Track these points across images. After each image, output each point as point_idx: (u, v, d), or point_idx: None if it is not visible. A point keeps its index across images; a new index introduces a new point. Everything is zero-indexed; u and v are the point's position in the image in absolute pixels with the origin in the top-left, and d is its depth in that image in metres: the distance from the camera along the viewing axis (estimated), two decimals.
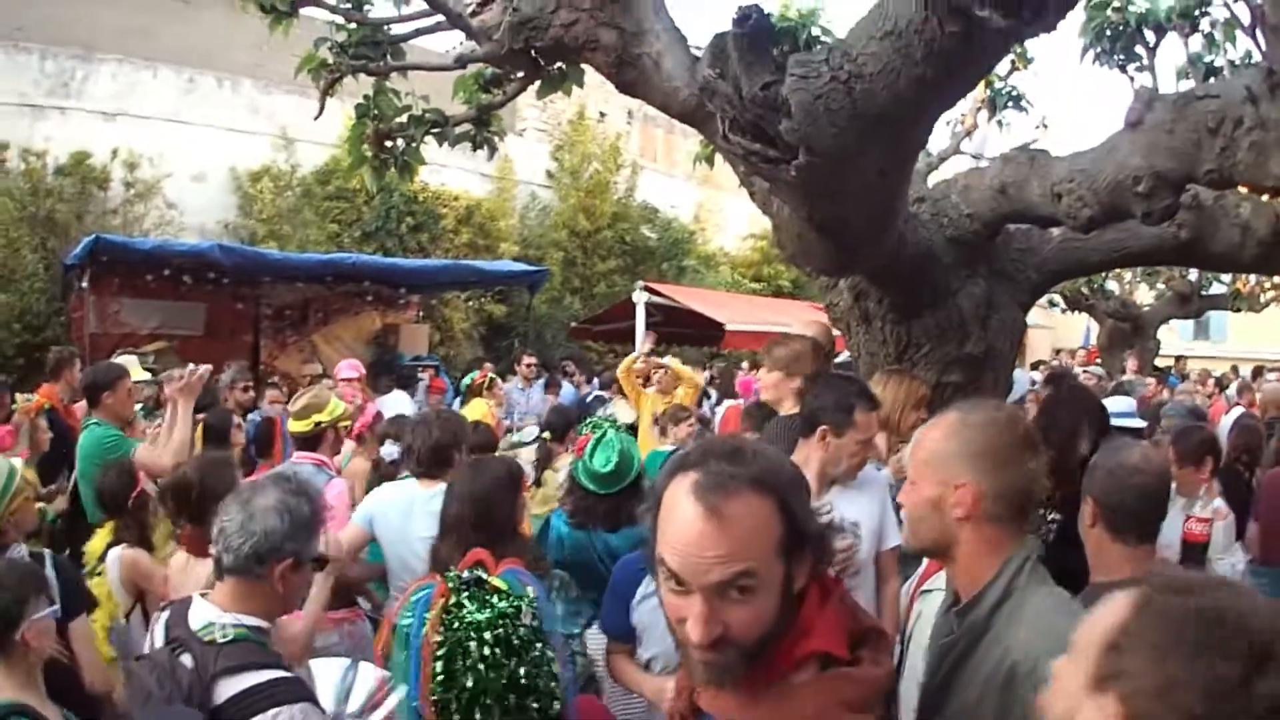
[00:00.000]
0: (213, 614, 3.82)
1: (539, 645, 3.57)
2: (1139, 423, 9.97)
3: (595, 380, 19.87)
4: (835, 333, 7.85)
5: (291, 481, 4.13)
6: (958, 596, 3.34)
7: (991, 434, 3.16)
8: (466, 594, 3.59)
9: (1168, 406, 12.25)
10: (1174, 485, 7.88)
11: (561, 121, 29.78)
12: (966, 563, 3.20)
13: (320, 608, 5.57)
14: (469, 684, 3.44)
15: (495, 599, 3.58)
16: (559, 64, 6.82)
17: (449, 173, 23.61)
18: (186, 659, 3.67)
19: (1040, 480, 3.27)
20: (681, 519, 2.28)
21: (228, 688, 3.61)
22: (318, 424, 7.91)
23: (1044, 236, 6.89)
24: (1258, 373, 26.36)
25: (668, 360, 14.86)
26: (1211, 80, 9.22)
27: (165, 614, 4.06)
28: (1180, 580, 1.94)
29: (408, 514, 6.31)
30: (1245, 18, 8.20)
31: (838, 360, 8.93)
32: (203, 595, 3.96)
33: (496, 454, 9.03)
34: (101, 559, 6.70)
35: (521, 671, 3.49)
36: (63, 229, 21.27)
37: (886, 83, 3.95)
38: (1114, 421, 9.61)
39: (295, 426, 7.97)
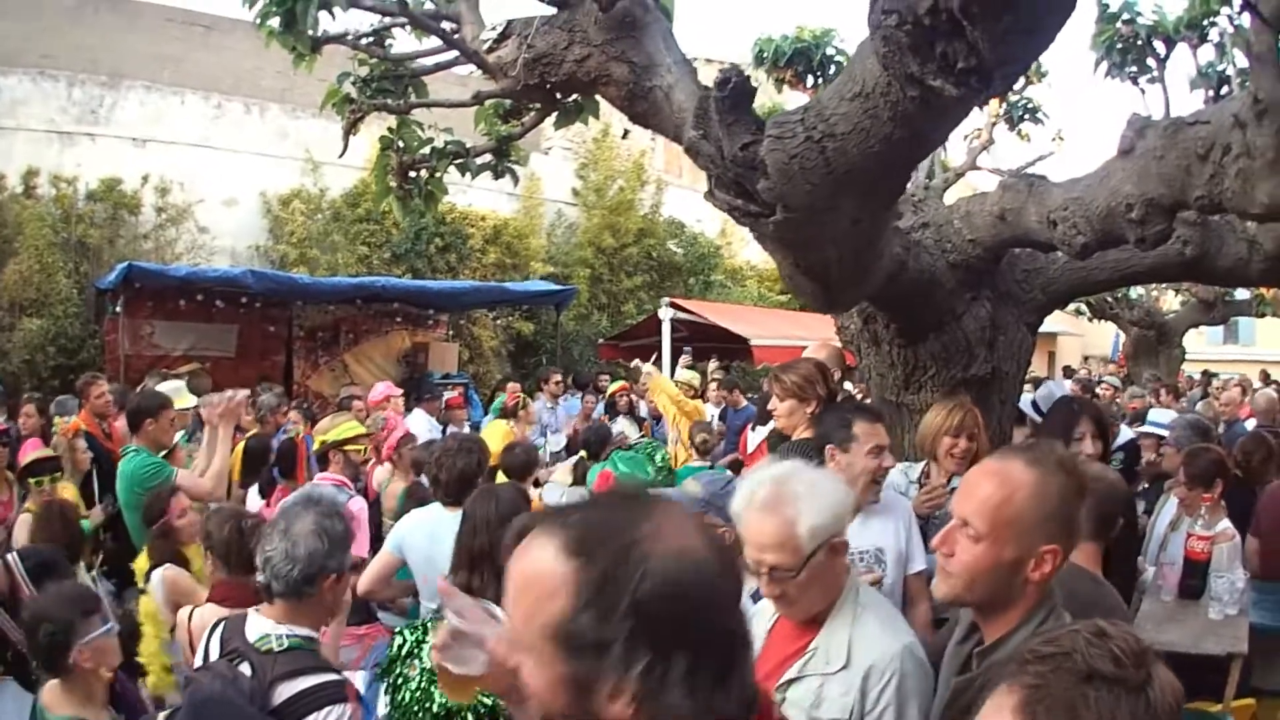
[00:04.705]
0: (268, 627, 4.14)
1: None
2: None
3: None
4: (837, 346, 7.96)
5: (323, 503, 4.45)
6: (973, 628, 3.45)
7: (1070, 495, 3.24)
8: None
9: (1174, 419, 12.25)
10: (1178, 504, 7.99)
11: (586, 139, 29.73)
12: (1012, 614, 3.27)
13: (341, 626, 5.85)
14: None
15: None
16: (574, 96, 6.96)
17: (476, 193, 23.58)
18: (245, 668, 3.98)
19: None
20: None
21: (285, 690, 3.94)
22: (323, 443, 8.15)
23: (1050, 257, 6.92)
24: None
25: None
26: (1224, 89, 9.32)
27: (219, 629, 4.34)
28: (1036, 650, 2.11)
29: (435, 538, 6.43)
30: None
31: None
32: (256, 611, 4.24)
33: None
34: (147, 578, 6.92)
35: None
36: (95, 253, 21.40)
37: (857, 141, 4.09)
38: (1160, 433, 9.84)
39: (315, 447, 8.26)
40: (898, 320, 6.74)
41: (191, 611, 5.85)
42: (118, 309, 17.66)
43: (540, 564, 1.93)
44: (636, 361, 16.55)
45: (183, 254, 22.59)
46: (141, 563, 7.09)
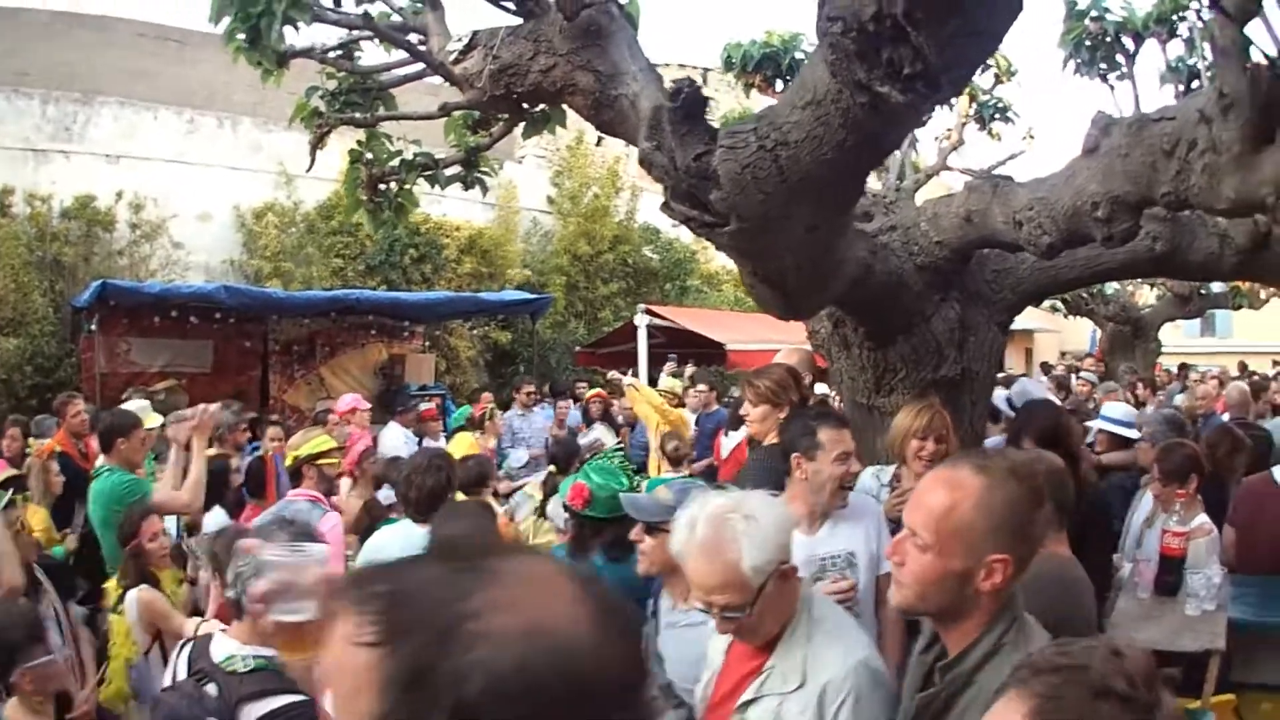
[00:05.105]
0: (234, 647, 4.13)
1: None
2: (1134, 433, 10.02)
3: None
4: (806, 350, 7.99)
5: (295, 524, 4.42)
6: (935, 637, 3.41)
7: (1022, 504, 3.19)
8: None
9: (1147, 413, 12.18)
10: (1155, 499, 7.97)
11: (560, 147, 29.73)
12: (970, 625, 3.23)
13: None
14: None
15: None
16: (541, 106, 6.95)
17: (450, 203, 23.47)
18: (211, 688, 3.96)
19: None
20: None
21: (251, 712, 3.91)
22: (295, 458, 8.14)
23: (1019, 257, 6.88)
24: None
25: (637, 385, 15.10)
26: (1194, 84, 9.33)
27: (187, 649, 4.34)
28: (1051, 660, 2.12)
29: (406, 554, 6.38)
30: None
31: None
32: (222, 631, 4.22)
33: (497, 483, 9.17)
34: (121, 599, 6.91)
35: None
36: (70, 272, 21.33)
37: (810, 149, 4.11)
38: (1112, 428, 9.73)
39: (286, 462, 8.25)
40: (866, 323, 6.74)
41: (197, 628, 5.87)
42: (93, 327, 17.62)
43: (340, 650, 1.43)
44: (614, 374, 16.58)
45: (157, 270, 22.51)
46: (113, 585, 7.10)
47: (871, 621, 5.53)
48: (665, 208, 4.84)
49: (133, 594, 6.72)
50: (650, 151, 4.64)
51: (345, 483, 9.57)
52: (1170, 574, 7.39)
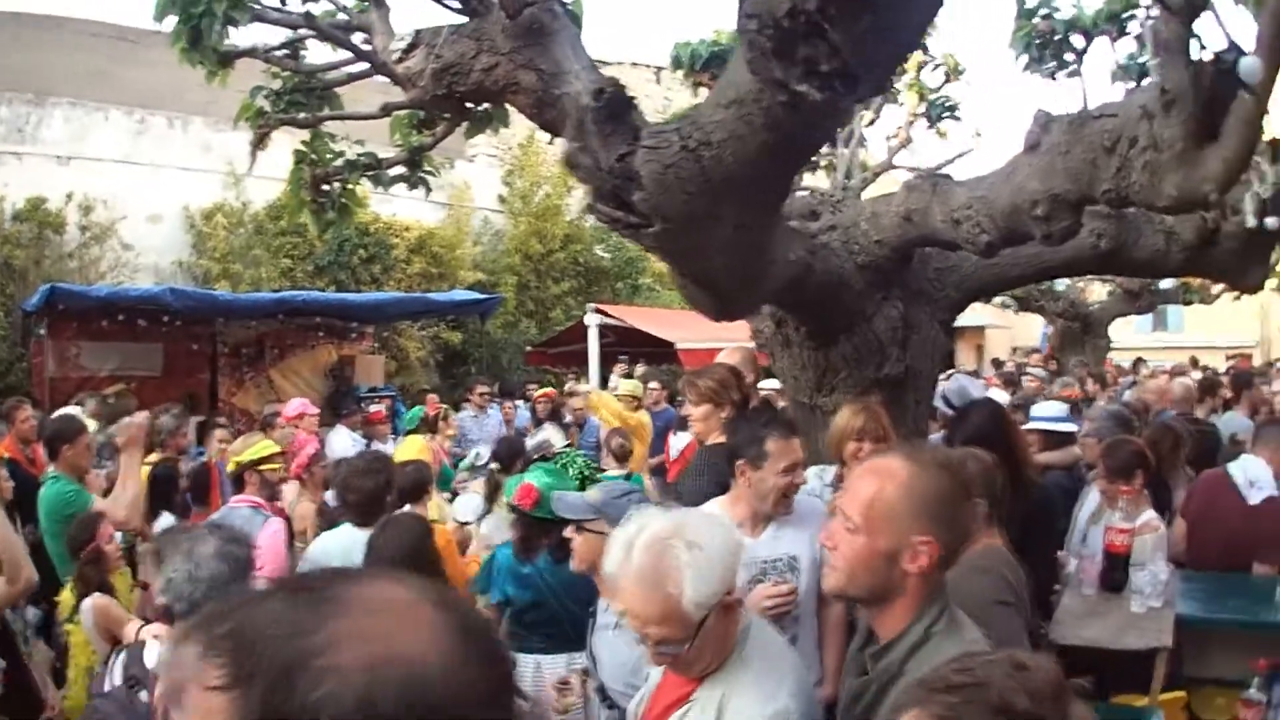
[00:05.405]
0: None
1: None
2: (1070, 426, 10.02)
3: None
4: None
5: (225, 529, 4.38)
6: (870, 634, 3.41)
7: (948, 492, 3.24)
8: None
9: (1092, 409, 12.16)
10: (1100, 496, 7.96)
11: (511, 146, 29.67)
12: (899, 610, 3.24)
13: None
14: None
15: None
16: (484, 105, 6.92)
17: (400, 203, 23.26)
18: (144, 695, 3.88)
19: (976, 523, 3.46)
20: None
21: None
22: (238, 464, 8.09)
23: (963, 255, 6.84)
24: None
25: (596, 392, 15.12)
26: (1145, 82, 9.36)
27: (122, 655, 4.28)
28: (949, 679, 2.10)
29: (349, 560, 6.35)
30: None
31: None
32: (155, 638, 4.17)
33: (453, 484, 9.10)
34: (76, 608, 6.85)
35: None
36: (21, 275, 21.19)
37: (733, 149, 4.12)
38: (1045, 426, 9.69)
39: (229, 469, 8.19)
40: (808, 323, 6.73)
41: (138, 632, 5.83)
42: (42, 331, 17.54)
43: (196, 696, 1.31)
44: (571, 384, 16.55)
45: (106, 272, 22.39)
46: (67, 595, 7.02)
47: (813, 624, 5.57)
48: (590, 209, 4.83)
49: (88, 602, 6.64)
50: (574, 152, 4.62)
51: (291, 487, 9.52)
52: (1115, 570, 7.36)
